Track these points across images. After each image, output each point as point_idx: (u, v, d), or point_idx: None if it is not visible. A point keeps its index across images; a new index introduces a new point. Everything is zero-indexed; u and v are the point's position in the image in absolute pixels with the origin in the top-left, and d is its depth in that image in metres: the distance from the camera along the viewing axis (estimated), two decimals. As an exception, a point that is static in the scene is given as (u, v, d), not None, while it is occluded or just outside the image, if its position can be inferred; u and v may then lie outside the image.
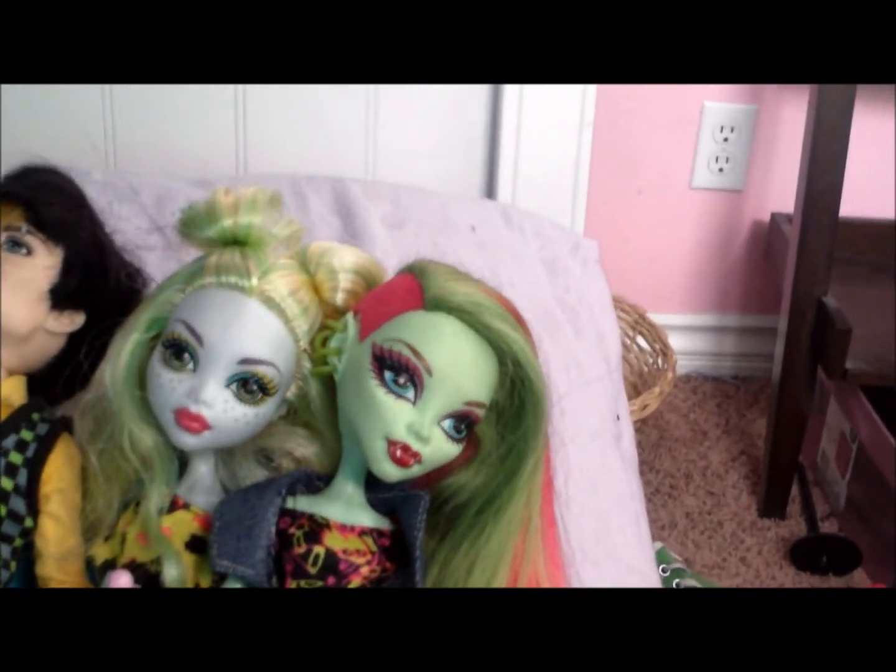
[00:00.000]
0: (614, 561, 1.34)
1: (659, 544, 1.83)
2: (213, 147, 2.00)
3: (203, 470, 1.01)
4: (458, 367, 0.94)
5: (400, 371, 0.93)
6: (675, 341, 2.22)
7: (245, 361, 0.96)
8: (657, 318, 2.23)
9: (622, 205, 2.28)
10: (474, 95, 2.06)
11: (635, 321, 2.21)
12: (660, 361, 2.16)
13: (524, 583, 0.96)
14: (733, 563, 1.95)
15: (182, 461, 1.02)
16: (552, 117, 2.04)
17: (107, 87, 1.93)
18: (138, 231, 1.29)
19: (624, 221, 2.30)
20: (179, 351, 0.96)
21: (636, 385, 2.17)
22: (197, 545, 0.97)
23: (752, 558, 1.96)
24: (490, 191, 2.12)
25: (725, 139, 2.23)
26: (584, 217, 2.13)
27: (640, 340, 2.21)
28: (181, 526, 0.98)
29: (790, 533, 2.02)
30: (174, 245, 1.42)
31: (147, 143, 1.98)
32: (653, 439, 2.23)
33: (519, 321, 0.97)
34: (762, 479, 2.09)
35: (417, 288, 0.97)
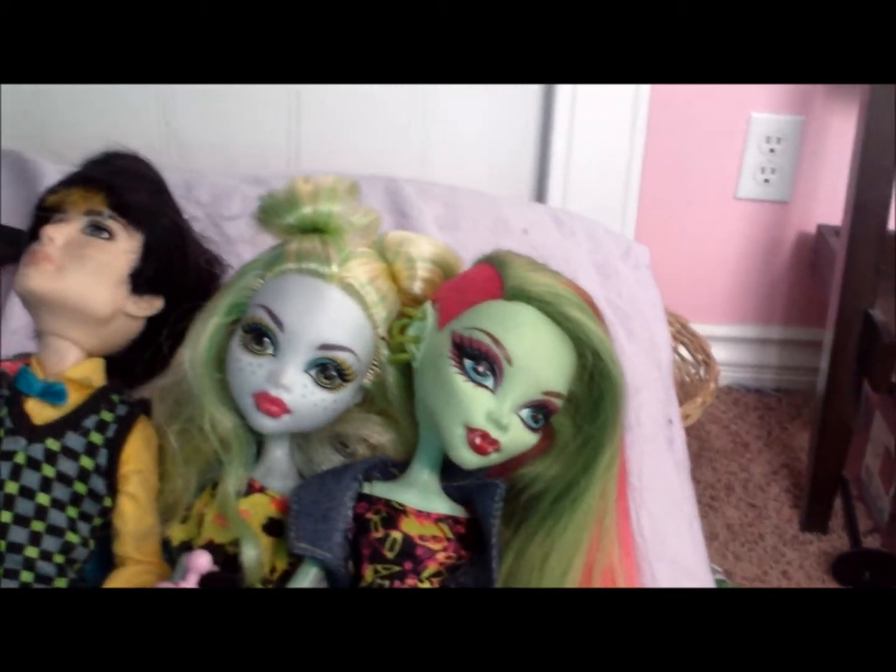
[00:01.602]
0: (669, 563, 1.34)
1: (704, 554, 1.83)
2: (267, 146, 2.01)
3: (279, 454, 1.01)
4: (537, 356, 0.94)
5: (480, 359, 0.93)
6: (718, 352, 2.21)
7: (324, 347, 0.96)
8: (700, 328, 2.23)
9: (668, 213, 2.28)
10: (527, 97, 2.06)
11: (678, 331, 2.21)
12: (702, 372, 2.15)
13: (599, 574, 0.96)
14: (774, 576, 1.94)
15: (258, 445, 1.02)
16: (605, 121, 2.04)
17: (163, 86, 1.94)
18: (198, 223, 1.30)
19: (669, 230, 2.30)
20: (260, 335, 0.96)
21: (677, 395, 2.16)
22: (274, 528, 0.97)
23: (794, 572, 1.95)
24: (540, 194, 2.12)
25: (772, 150, 2.23)
26: (634, 225, 2.13)
27: (683, 350, 2.21)
28: (258, 508, 0.98)
29: (832, 547, 2.02)
30: (232, 240, 1.43)
31: (201, 141, 1.99)
32: (694, 450, 2.22)
33: (596, 313, 0.97)
34: (805, 492, 2.08)
35: (497, 277, 0.97)
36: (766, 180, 2.26)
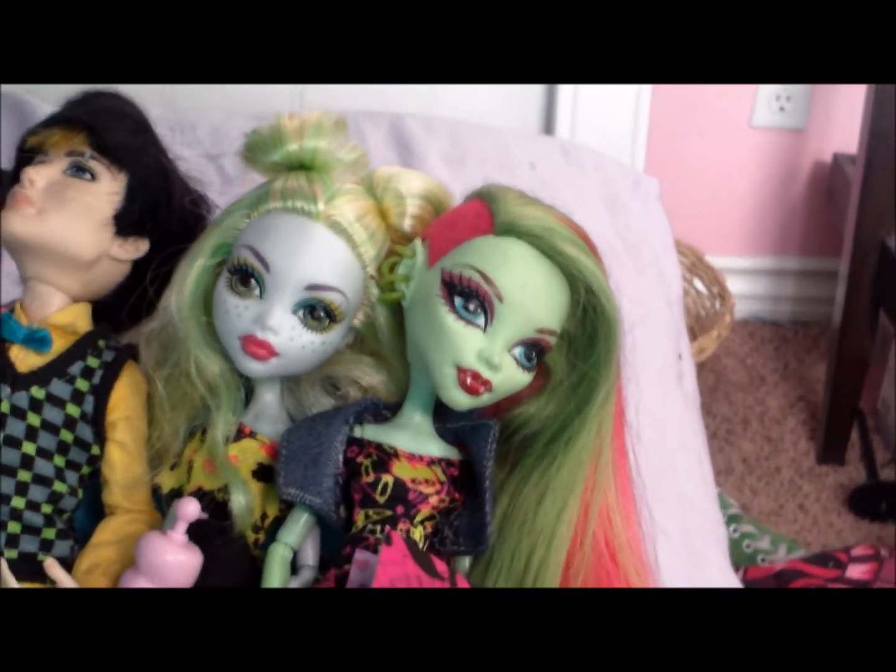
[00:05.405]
0: (678, 498, 1.33)
1: (716, 489, 1.81)
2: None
3: (269, 398, 0.99)
4: (528, 293, 0.91)
5: (470, 297, 0.91)
6: (734, 284, 2.19)
7: (312, 287, 0.94)
8: (715, 260, 2.20)
9: (681, 145, 2.25)
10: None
11: (693, 264, 2.18)
12: (717, 305, 2.13)
13: (595, 514, 0.94)
14: (791, 509, 1.93)
15: (248, 389, 1.00)
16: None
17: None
18: (198, 161, 1.28)
19: (682, 162, 2.26)
20: (246, 277, 0.94)
21: (693, 328, 2.14)
22: (264, 473, 0.96)
23: (810, 505, 1.94)
24: (548, 126, 2.09)
25: (787, 77, 2.19)
26: (645, 156, 2.10)
27: (698, 283, 2.18)
28: (248, 454, 0.96)
29: (849, 479, 2.00)
30: (231, 179, 1.40)
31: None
32: (709, 383, 2.20)
33: (591, 247, 0.95)
34: (821, 424, 2.06)
35: (487, 213, 0.94)
36: (782, 108, 2.22)
